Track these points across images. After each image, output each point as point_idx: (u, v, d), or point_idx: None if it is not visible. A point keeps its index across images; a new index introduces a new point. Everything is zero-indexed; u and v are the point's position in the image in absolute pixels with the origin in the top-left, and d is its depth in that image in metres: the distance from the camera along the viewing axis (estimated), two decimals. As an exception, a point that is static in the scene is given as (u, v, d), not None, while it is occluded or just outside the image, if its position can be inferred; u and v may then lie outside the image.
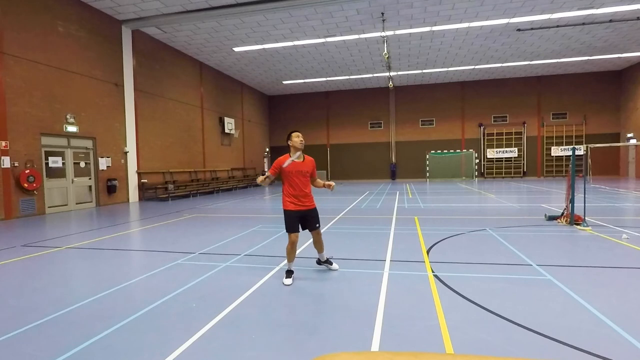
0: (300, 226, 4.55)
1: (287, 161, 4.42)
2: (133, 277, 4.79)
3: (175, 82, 18.44)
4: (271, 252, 6.00)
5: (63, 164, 12.62)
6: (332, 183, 4.70)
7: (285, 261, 4.65)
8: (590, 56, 21.42)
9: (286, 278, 4.45)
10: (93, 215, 11.37)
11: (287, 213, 4.51)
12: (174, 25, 15.33)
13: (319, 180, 4.75)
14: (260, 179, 4.45)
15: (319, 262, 4.97)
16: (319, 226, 4.67)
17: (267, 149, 30.84)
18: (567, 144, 26.10)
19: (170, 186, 16.81)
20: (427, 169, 28.08)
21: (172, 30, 16.10)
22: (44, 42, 11.68)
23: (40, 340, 3.09)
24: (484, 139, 27.57)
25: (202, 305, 3.77)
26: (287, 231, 4.50)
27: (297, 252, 5.84)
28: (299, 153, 4.49)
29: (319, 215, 4.72)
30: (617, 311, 3.38)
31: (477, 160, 27.75)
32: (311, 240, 5.04)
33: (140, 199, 15.79)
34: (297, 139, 4.50)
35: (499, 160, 27.54)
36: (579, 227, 7.46)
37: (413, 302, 3.74)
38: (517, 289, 4.04)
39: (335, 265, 4.88)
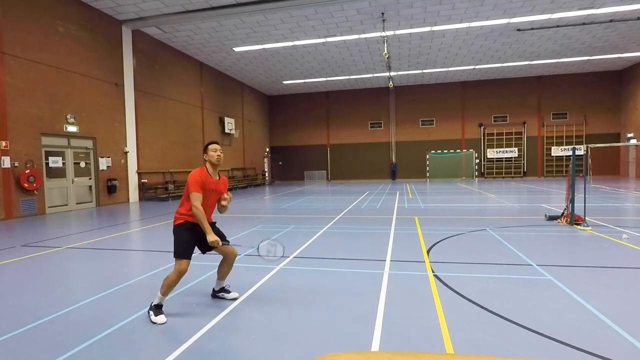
0: (196, 248, 3.62)
1: (208, 178, 3.60)
2: (133, 277, 4.79)
3: (175, 82, 18.44)
4: (271, 252, 5.98)
5: (63, 164, 12.61)
6: (228, 197, 3.76)
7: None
8: (590, 56, 21.41)
9: (157, 315, 3.36)
10: (93, 215, 11.37)
11: (182, 228, 3.51)
12: (174, 25, 15.33)
13: (226, 199, 3.79)
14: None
15: (215, 293, 3.95)
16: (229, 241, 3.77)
17: (267, 149, 30.84)
18: (567, 144, 26.09)
19: (170, 186, 16.81)
20: (427, 169, 28.08)
21: (172, 30, 16.10)
22: (44, 42, 11.68)
23: (40, 340, 3.09)
24: (484, 139, 27.57)
25: (202, 305, 3.78)
26: (175, 256, 3.44)
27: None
28: (216, 170, 3.72)
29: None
30: (617, 311, 3.37)
31: (477, 160, 27.75)
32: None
33: (140, 199, 15.78)
34: (213, 153, 3.61)
35: (499, 160, 27.53)
36: (579, 227, 7.45)
37: (413, 302, 3.74)
38: (517, 289, 4.04)
39: (233, 294, 3.92)
